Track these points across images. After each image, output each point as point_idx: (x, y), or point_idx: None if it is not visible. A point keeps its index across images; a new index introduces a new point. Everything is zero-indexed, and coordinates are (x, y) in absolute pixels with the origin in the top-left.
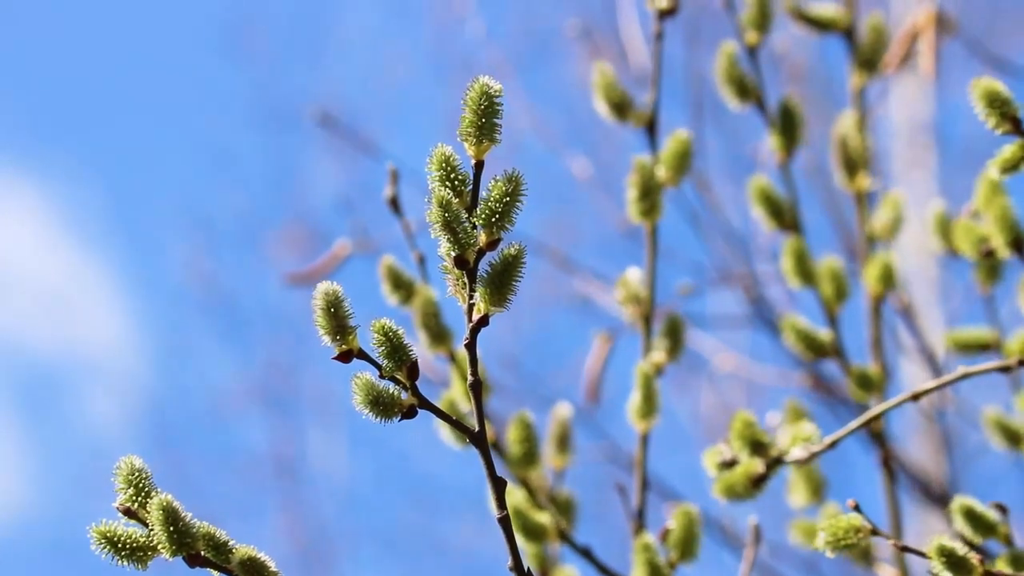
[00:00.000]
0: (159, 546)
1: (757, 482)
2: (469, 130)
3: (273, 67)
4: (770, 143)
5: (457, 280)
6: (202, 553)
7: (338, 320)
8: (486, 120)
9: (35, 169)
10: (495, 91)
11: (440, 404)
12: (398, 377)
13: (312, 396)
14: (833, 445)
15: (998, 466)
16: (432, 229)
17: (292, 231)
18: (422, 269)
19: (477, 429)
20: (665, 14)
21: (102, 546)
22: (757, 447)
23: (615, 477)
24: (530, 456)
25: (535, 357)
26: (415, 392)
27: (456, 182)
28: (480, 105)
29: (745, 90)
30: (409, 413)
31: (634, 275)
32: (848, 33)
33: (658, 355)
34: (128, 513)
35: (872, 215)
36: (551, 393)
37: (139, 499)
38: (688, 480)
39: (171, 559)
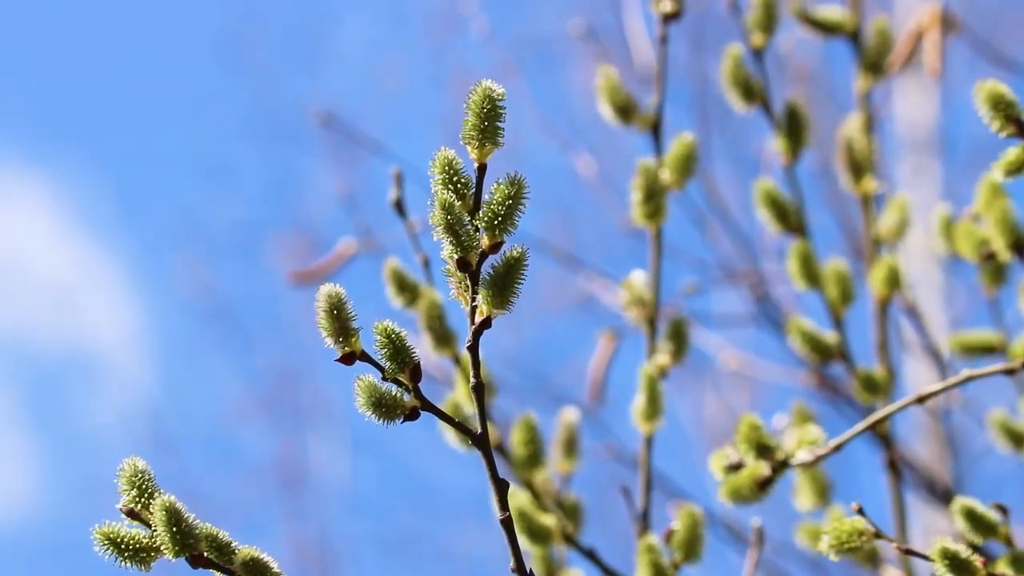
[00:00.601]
0: (162, 547)
1: (763, 485)
2: (472, 133)
3: (271, 76)
4: (775, 145)
5: (460, 283)
6: (205, 554)
7: (341, 322)
8: (489, 123)
9: (44, 164)
10: (498, 94)
11: (444, 406)
12: (401, 379)
13: (314, 402)
14: (839, 448)
15: (1003, 465)
16: (435, 232)
17: (291, 239)
18: (427, 272)
19: (479, 431)
20: (670, 18)
21: (105, 547)
22: (763, 450)
23: (619, 476)
24: (535, 458)
25: (540, 357)
26: (418, 394)
27: (459, 185)
28: (483, 108)
29: (751, 92)
30: (411, 415)
31: (638, 278)
32: (854, 36)
33: (663, 357)
34: (131, 514)
35: (878, 218)
36: (556, 393)
37: (142, 500)
38: (691, 479)
39: (174, 560)
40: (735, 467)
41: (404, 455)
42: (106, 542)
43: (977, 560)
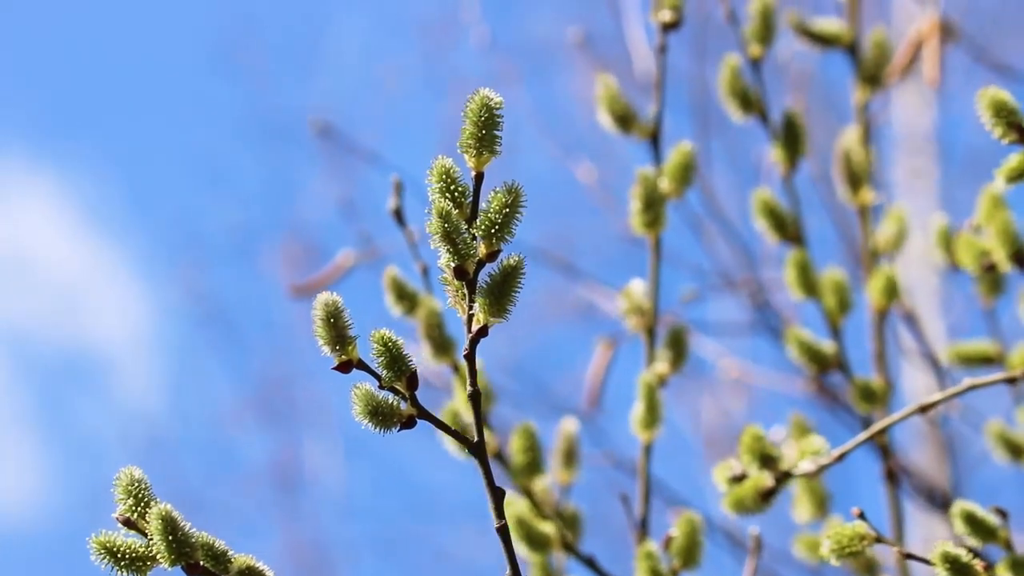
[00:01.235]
0: (158, 556)
1: (766, 496)
2: (469, 142)
3: (267, 81)
4: (773, 155)
5: (457, 291)
6: (201, 563)
7: (338, 330)
8: (486, 132)
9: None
10: (495, 103)
11: (443, 414)
12: (397, 387)
13: (310, 406)
14: (841, 458)
15: (1001, 472)
16: (432, 240)
17: (287, 244)
18: (426, 280)
19: (476, 439)
20: (669, 27)
21: (102, 556)
22: (766, 461)
23: (616, 482)
24: (534, 465)
25: (539, 365)
26: (414, 402)
27: (456, 193)
28: (480, 117)
29: (748, 103)
30: (408, 423)
31: (637, 287)
32: (851, 48)
33: (662, 366)
34: (128, 523)
35: (876, 229)
36: (555, 400)
37: (138, 509)
38: (687, 485)
39: (170, 569)
40: (739, 478)
41: (400, 459)
42: (102, 551)
43: (978, 564)
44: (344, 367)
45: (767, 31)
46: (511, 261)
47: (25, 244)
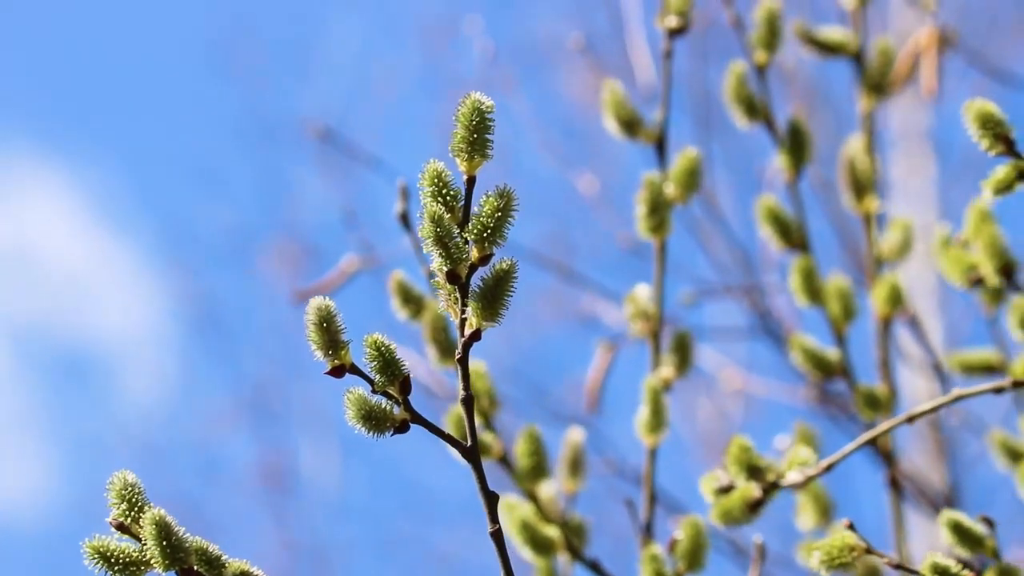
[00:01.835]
0: (152, 561)
1: (754, 507)
2: (461, 146)
3: (265, 83)
4: (778, 162)
5: (450, 295)
6: (195, 568)
7: (330, 335)
8: (478, 136)
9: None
10: (487, 107)
11: (447, 418)
12: (391, 392)
13: (303, 407)
14: (830, 468)
15: (998, 474)
16: (424, 244)
17: (284, 246)
18: (431, 284)
19: (469, 443)
20: (675, 33)
21: (95, 561)
22: (753, 471)
23: (616, 487)
24: (538, 469)
25: (540, 370)
26: (407, 407)
27: (448, 197)
28: (472, 121)
29: (753, 109)
30: (401, 428)
31: (643, 292)
32: (856, 57)
33: (667, 370)
34: (121, 528)
35: (880, 237)
36: (556, 406)
37: (132, 514)
38: (686, 489)
39: (164, 573)
40: (726, 489)
41: (395, 459)
42: (96, 556)
43: (967, 574)
44: (337, 372)
45: (773, 37)
46: (504, 265)
47: (30, 239)
